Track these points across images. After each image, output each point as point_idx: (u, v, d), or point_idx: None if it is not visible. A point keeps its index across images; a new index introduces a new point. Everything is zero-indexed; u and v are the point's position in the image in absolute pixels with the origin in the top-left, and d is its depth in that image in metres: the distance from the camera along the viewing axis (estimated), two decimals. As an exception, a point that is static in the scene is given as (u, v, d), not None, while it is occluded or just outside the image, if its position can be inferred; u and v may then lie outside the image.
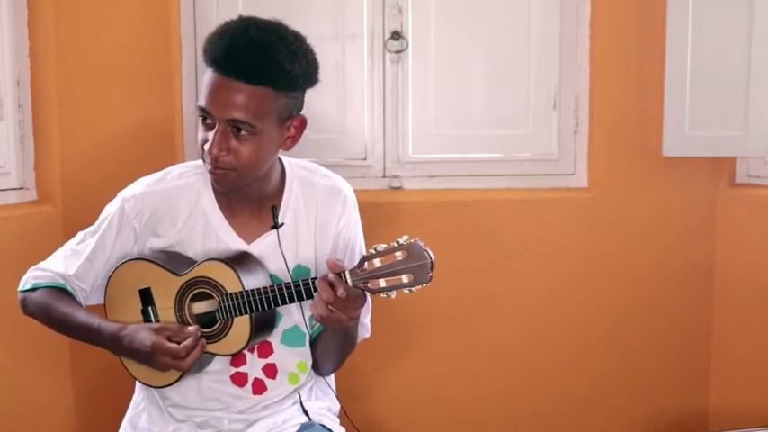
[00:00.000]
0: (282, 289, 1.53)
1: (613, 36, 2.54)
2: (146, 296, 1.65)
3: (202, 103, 1.53)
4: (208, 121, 1.53)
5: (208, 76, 1.53)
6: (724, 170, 2.60)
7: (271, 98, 1.52)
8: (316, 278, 1.50)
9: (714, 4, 2.41)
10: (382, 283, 1.45)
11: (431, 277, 1.44)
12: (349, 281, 1.46)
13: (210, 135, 1.52)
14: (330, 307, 1.48)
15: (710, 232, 2.61)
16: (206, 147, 1.53)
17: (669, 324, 2.63)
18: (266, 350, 1.68)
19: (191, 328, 1.58)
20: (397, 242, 1.44)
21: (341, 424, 1.79)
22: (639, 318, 2.62)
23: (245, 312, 1.56)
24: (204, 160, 1.56)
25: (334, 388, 1.82)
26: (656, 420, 2.66)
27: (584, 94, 2.59)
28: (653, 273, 2.61)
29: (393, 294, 1.45)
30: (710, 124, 2.45)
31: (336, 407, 1.81)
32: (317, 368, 1.75)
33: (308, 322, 1.68)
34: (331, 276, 1.47)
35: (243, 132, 1.52)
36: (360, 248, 1.73)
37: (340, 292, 1.46)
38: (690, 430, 2.66)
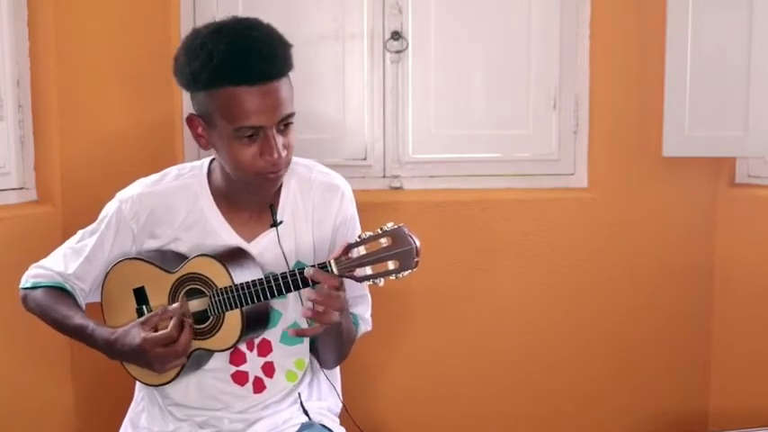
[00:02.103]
0: (270, 281, 1.52)
1: (613, 36, 2.54)
2: (140, 295, 1.65)
3: (250, 122, 1.48)
4: (247, 138, 1.50)
5: (235, 93, 1.47)
6: (724, 170, 2.60)
7: (289, 79, 1.54)
8: (302, 269, 1.49)
9: (714, 4, 2.41)
10: (368, 270, 1.44)
11: (416, 263, 1.43)
12: (335, 269, 1.46)
13: (255, 147, 1.50)
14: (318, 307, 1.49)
15: (710, 232, 2.61)
16: (269, 158, 1.50)
17: (669, 324, 2.63)
18: (265, 348, 1.68)
19: (173, 306, 1.56)
20: (382, 229, 1.44)
21: (342, 423, 1.79)
22: (639, 318, 2.62)
23: (236, 306, 1.55)
24: (259, 173, 1.53)
25: (338, 386, 1.82)
26: (656, 420, 2.66)
27: (584, 94, 2.59)
28: (653, 273, 2.61)
29: (381, 282, 1.45)
30: (710, 124, 2.45)
31: (338, 407, 1.81)
32: (321, 362, 1.75)
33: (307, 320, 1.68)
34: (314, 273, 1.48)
35: (290, 124, 1.53)
36: None
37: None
38: (690, 430, 2.66)
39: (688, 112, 2.45)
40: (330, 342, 1.69)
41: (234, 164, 1.55)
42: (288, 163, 1.56)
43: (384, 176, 2.61)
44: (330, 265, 1.47)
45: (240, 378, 1.68)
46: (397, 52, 2.55)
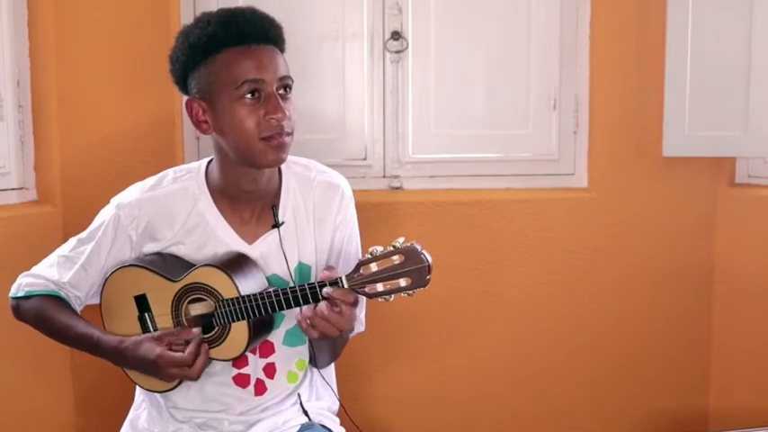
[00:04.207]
0: (279, 295, 1.52)
1: (613, 36, 2.54)
2: (141, 303, 1.63)
3: (251, 75, 1.51)
4: (250, 97, 1.51)
5: (234, 54, 1.51)
6: (724, 170, 2.60)
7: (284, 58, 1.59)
8: (313, 284, 1.49)
9: (714, 4, 2.41)
10: (380, 287, 1.44)
11: (428, 280, 1.43)
12: (346, 285, 1.46)
13: (259, 110, 1.51)
14: (322, 320, 1.48)
15: (710, 232, 2.61)
16: (273, 116, 1.51)
17: (669, 324, 2.63)
18: (268, 350, 1.68)
19: (193, 330, 1.57)
20: (394, 246, 1.43)
21: (341, 423, 1.79)
22: (639, 317, 2.62)
23: (242, 318, 1.55)
24: (265, 137, 1.52)
25: (334, 386, 1.82)
26: (656, 420, 2.66)
27: (584, 94, 2.59)
28: (653, 272, 2.61)
29: (391, 298, 1.45)
30: (710, 124, 2.45)
31: (336, 406, 1.81)
32: (314, 361, 1.74)
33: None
34: (335, 293, 1.46)
35: (289, 91, 1.56)
36: (356, 244, 1.73)
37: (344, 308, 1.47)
38: (690, 430, 2.66)
39: (688, 112, 2.45)
40: (324, 346, 1.69)
41: (239, 132, 1.53)
42: (292, 129, 1.55)
43: (384, 176, 2.61)
44: (341, 282, 1.46)
45: (242, 381, 1.67)
46: (397, 52, 2.55)
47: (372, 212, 2.38)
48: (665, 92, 2.46)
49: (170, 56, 1.60)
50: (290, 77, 1.56)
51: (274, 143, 1.53)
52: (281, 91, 1.54)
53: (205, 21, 1.54)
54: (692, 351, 2.65)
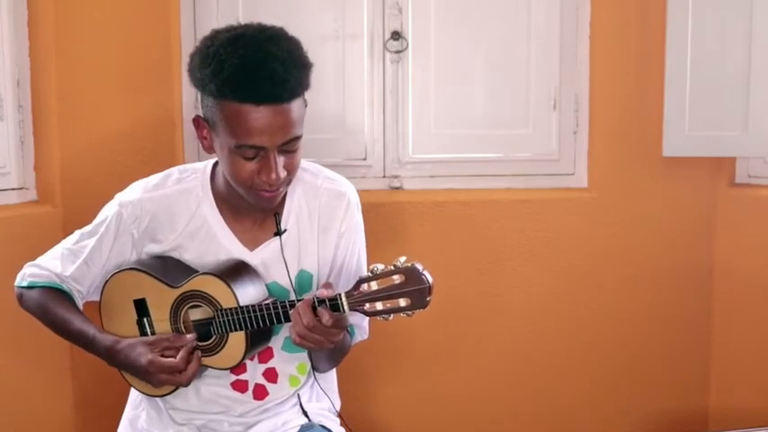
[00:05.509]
0: (278, 308, 1.51)
1: (613, 36, 2.54)
2: (141, 307, 1.63)
3: (252, 141, 1.45)
4: (250, 154, 1.48)
5: (241, 109, 1.43)
6: (724, 170, 2.60)
7: (303, 100, 1.51)
8: (312, 299, 1.47)
9: (714, 4, 2.41)
10: (379, 306, 1.42)
11: (428, 302, 1.42)
12: (345, 303, 1.44)
13: (254, 165, 1.48)
14: (310, 332, 1.46)
15: (710, 232, 2.61)
16: (266, 178, 1.47)
17: (669, 324, 2.63)
18: (267, 355, 1.67)
19: (188, 336, 1.56)
20: (395, 265, 1.41)
21: (341, 424, 1.79)
22: (639, 317, 2.62)
23: (241, 329, 1.54)
24: (254, 188, 1.50)
25: (334, 388, 1.82)
26: (656, 420, 2.66)
27: (584, 94, 2.59)
28: (653, 273, 2.61)
29: (390, 317, 1.43)
30: (710, 124, 2.45)
31: (337, 406, 1.81)
32: (314, 368, 1.73)
33: None
34: (317, 301, 1.45)
35: (296, 146, 1.50)
36: (359, 253, 1.71)
37: (325, 319, 1.44)
38: (690, 430, 2.66)
39: (688, 112, 2.45)
40: (321, 355, 1.68)
41: (231, 175, 1.52)
42: (288, 182, 1.54)
43: (384, 176, 2.61)
44: (341, 299, 1.44)
45: (240, 386, 1.67)
46: (397, 52, 2.55)
47: (372, 212, 2.37)
48: (665, 92, 2.46)
49: (190, 56, 1.53)
50: (296, 138, 1.48)
51: (265, 195, 1.52)
52: (286, 146, 1.48)
53: (221, 60, 1.43)
54: (692, 351, 2.65)
